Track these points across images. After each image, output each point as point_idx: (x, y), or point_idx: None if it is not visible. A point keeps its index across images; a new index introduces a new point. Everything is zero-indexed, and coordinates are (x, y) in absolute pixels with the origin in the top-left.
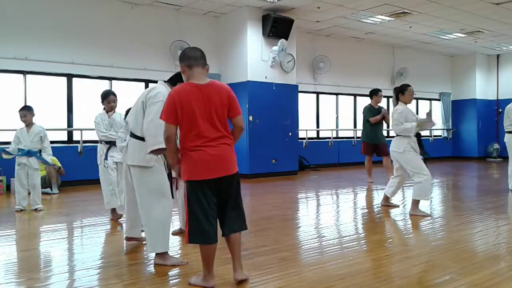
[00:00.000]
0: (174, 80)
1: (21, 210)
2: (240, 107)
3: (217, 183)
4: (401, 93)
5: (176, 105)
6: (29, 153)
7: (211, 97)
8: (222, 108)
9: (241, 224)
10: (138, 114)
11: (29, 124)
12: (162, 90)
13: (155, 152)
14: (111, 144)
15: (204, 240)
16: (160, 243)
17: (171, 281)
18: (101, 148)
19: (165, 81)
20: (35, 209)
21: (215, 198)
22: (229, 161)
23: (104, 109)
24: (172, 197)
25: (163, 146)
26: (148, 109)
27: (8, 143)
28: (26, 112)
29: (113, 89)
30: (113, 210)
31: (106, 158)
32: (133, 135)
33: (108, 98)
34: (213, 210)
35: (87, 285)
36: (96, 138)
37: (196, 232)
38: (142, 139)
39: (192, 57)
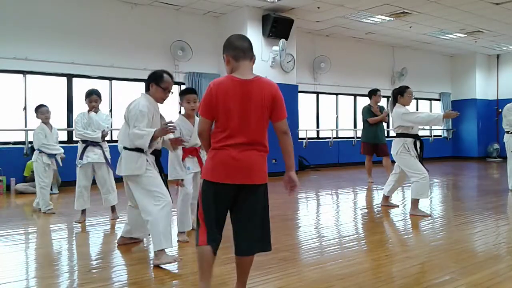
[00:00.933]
0: (146, 85)
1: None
2: (285, 110)
3: (236, 190)
4: (400, 94)
5: (212, 99)
6: (52, 154)
7: (252, 95)
8: (263, 109)
9: (260, 245)
10: (125, 127)
11: (48, 122)
12: (140, 101)
13: (151, 144)
14: (87, 143)
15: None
16: (164, 240)
17: (171, 281)
18: (79, 148)
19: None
20: (39, 209)
21: (229, 205)
22: (253, 168)
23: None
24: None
25: (149, 137)
26: (130, 122)
27: (8, 143)
28: (48, 109)
29: (113, 89)
30: (83, 212)
31: (81, 158)
32: (125, 148)
33: (90, 97)
34: (221, 218)
35: (86, 285)
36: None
37: (204, 234)
38: (133, 149)
39: (239, 48)
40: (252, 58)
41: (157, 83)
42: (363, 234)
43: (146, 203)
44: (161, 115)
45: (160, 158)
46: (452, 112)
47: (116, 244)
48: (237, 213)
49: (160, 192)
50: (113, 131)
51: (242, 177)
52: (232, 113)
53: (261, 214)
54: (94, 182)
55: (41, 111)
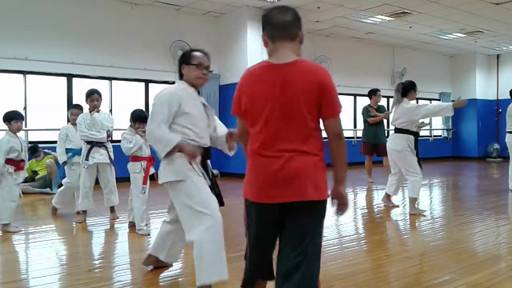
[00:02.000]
0: (179, 72)
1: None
2: (339, 105)
3: (283, 210)
4: (413, 89)
5: (237, 92)
6: (81, 151)
7: (288, 82)
8: (300, 100)
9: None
10: None
11: (75, 123)
12: (167, 88)
13: (168, 155)
14: (93, 144)
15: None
16: (211, 271)
17: (172, 281)
18: (84, 148)
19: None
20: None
21: (277, 229)
22: (299, 182)
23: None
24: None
25: (169, 148)
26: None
27: None
28: (80, 111)
29: (113, 89)
30: (84, 212)
31: (86, 159)
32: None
33: (91, 96)
34: (268, 244)
35: (88, 285)
36: None
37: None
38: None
39: (276, 25)
40: (295, 36)
41: (187, 63)
42: (363, 234)
43: (187, 220)
44: (204, 105)
45: (208, 159)
46: (461, 100)
47: (115, 244)
48: (284, 234)
49: (205, 206)
50: (113, 131)
51: (286, 194)
52: (262, 108)
53: (305, 242)
54: (96, 182)
55: (70, 112)
